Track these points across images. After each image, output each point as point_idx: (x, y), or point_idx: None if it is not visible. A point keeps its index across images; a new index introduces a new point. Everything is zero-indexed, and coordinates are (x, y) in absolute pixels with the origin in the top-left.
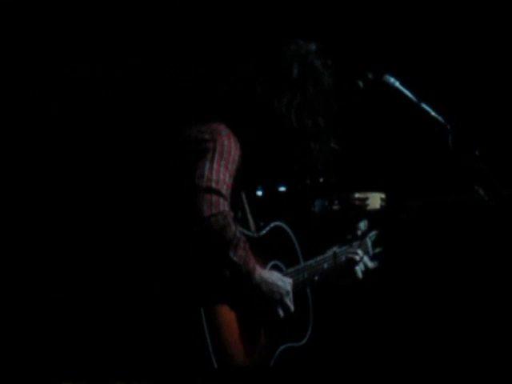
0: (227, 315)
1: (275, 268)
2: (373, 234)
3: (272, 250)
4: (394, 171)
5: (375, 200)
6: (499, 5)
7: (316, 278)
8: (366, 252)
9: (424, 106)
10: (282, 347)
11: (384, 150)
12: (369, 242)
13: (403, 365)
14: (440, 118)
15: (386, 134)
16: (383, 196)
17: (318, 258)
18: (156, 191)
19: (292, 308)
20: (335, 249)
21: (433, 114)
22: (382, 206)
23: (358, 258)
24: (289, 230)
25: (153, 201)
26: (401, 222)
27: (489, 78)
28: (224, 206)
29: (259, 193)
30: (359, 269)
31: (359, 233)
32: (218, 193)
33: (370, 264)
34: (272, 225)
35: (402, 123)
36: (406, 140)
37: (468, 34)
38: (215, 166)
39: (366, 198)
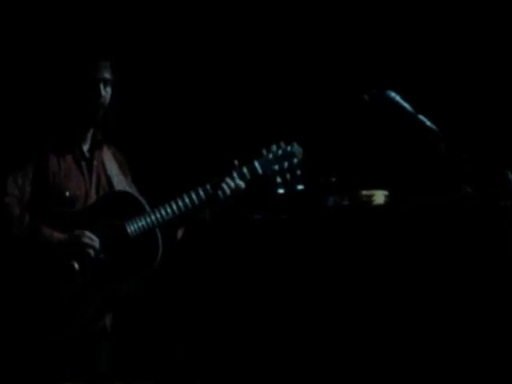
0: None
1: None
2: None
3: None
4: (395, 172)
5: (379, 197)
6: (487, 15)
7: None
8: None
9: (420, 116)
10: (107, 287)
11: (386, 155)
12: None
13: (403, 365)
14: (434, 127)
15: (388, 141)
16: (386, 193)
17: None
18: None
19: (92, 255)
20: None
21: (428, 123)
22: (385, 202)
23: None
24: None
25: None
26: (401, 215)
27: (480, 86)
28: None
29: (281, 190)
30: (226, 186)
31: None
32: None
33: (240, 182)
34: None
35: (402, 132)
36: (404, 146)
37: (458, 43)
38: None
39: (372, 195)
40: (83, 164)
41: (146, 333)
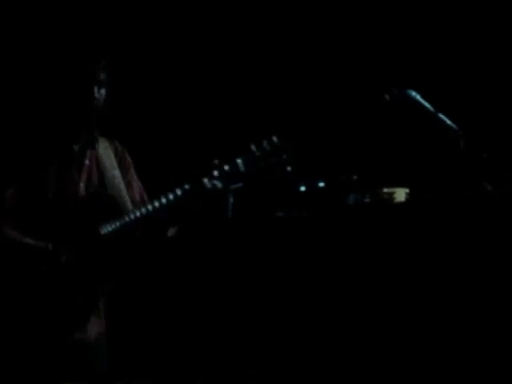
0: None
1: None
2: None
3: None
4: (415, 170)
5: (400, 194)
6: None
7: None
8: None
9: (440, 115)
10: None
11: (407, 153)
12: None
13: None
14: (454, 125)
15: (408, 139)
16: (407, 191)
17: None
18: None
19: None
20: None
21: (448, 122)
22: (406, 199)
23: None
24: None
25: None
26: (422, 212)
27: (500, 85)
28: None
29: (302, 188)
30: (205, 185)
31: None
32: None
33: (217, 182)
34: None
35: (422, 130)
36: (425, 144)
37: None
38: None
39: (393, 193)
40: (74, 164)
41: (147, 332)
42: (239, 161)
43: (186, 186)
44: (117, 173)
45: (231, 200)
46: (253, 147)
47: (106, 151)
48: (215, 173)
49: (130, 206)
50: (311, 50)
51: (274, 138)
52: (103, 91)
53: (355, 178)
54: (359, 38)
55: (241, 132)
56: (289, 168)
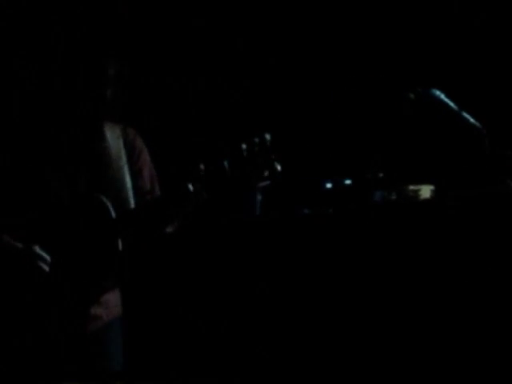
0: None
1: None
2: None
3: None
4: (440, 168)
5: (426, 191)
6: None
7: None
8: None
9: (464, 114)
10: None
11: (432, 151)
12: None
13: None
14: (478, 124)
15: (433, 137)
16: (432, 188)
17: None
18: None
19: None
20: None
21: (472, 120)
22: (431, 196)
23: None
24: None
25: None
26: (447, 209)
27: None
28: None
29: (329, 185)
30: (189, 189)
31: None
32: None
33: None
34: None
35: (446, 128)
36: (449, 142)
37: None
38: None
39: (419, 190)
40: (77, 160)
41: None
42: (225, 163)
43: (171, 190)
44: (123, 164)
45: (259, 197)
46: (243, 146)
47: (115, 141)
48: (200, 177)
49: (132, 201)
50: (335, 48)
51: (267, 136)
52: (113, 87)
53: (381, 175)
54: (388, 37)
55: (244, 131)
56: (278, 167)
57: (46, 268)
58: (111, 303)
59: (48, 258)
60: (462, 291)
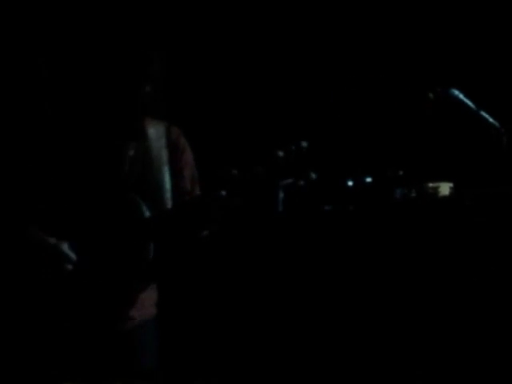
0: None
1: None
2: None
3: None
4: (459, 166)
5: (445, 189)
6: None
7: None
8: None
9: (483, 113)
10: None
11: (451, 150)
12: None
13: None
14: (496, 123)
15: (452, 136)
16: (451, 185)
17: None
18: None
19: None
20: None
21: (490, 119)
22: (450, 193)
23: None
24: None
25: None
26: (465, 208)
27: None
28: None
29: (350, 183)
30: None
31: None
32: None
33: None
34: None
35: (465, 127)
36: (468, 141)
37: None
38: None
39: (438, 187)
40: (115, 159)
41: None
42: (260, 170)
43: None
44: (163, 164)
45: (281, 195)
46: (280, 153)
47: (157, 141)
48: (233, 182)
49: (170, 202)
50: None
51: (303, 144)
52: (154, 83)
53: (401, 173)
54: (409, 38)
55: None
56: (313, 176)
57: (70, 268)
58: (145, 303)
59: (74, 258)
60: (479, 287)
